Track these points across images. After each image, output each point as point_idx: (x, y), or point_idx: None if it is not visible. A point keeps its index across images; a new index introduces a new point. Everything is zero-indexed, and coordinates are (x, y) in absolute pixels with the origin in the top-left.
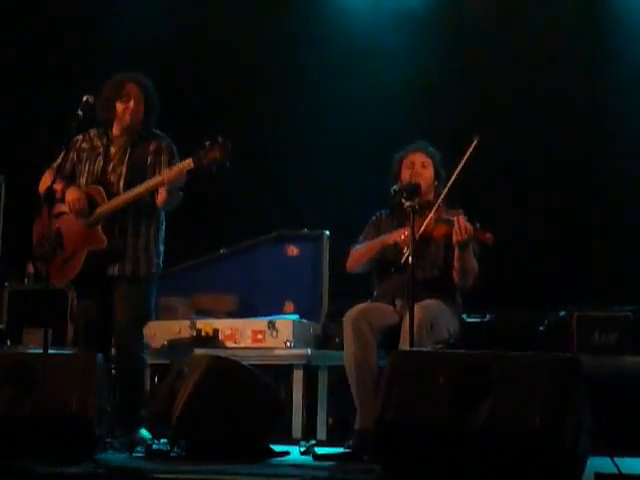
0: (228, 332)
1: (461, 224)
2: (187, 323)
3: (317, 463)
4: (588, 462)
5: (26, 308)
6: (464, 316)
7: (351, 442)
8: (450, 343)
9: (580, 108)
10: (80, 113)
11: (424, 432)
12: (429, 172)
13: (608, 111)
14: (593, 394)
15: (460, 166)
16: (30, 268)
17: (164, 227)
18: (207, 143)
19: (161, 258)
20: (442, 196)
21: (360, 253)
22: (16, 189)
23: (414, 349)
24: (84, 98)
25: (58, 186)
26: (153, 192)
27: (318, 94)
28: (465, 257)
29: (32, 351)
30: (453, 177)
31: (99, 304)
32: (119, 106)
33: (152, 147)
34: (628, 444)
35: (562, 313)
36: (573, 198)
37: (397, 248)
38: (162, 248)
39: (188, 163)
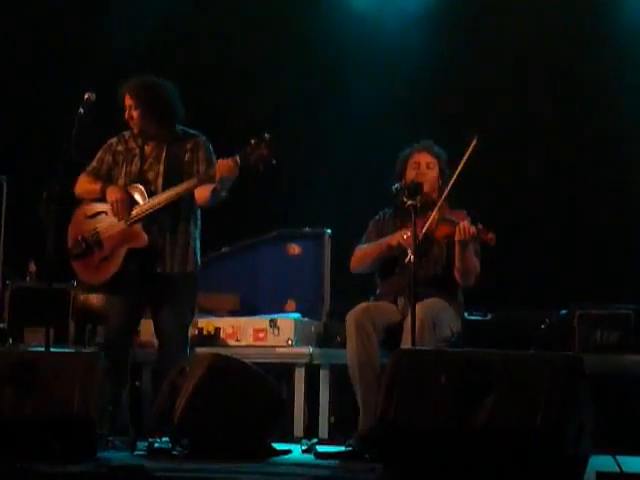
0: (230, 330)
1: (465, 226)
2: None
3: (319, 462)
4: (590, 461)
5: (28, 306)
6: (465, 314)
7: (352, 442)
8: (452, 342)
9: (584, 108)
10: (82, 111)
11: (425, 431)
12: (434, 173)
13: (612, 111)
14: (595, 393)
15: (460, 166)
16: (32, 267)
17: (200, 224)
18: (253, 141)
19: (199, 255)
20: (444, 195)
21: (364, 254)
22: (18, 189)
23: (416, 348)
24: (85, 96)
25: (97, 186)
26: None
27: (320, 93)
28: (466, 255)
29: (34, 350)
30: (454, 177)
31: (133, 302)
32: (127, 118)
33: (189, 145)
34: (630, 443)
35: (563, 312)
36: (574, 197)
37: (400, 250)
38: (199, 246)
39: (234, 160)
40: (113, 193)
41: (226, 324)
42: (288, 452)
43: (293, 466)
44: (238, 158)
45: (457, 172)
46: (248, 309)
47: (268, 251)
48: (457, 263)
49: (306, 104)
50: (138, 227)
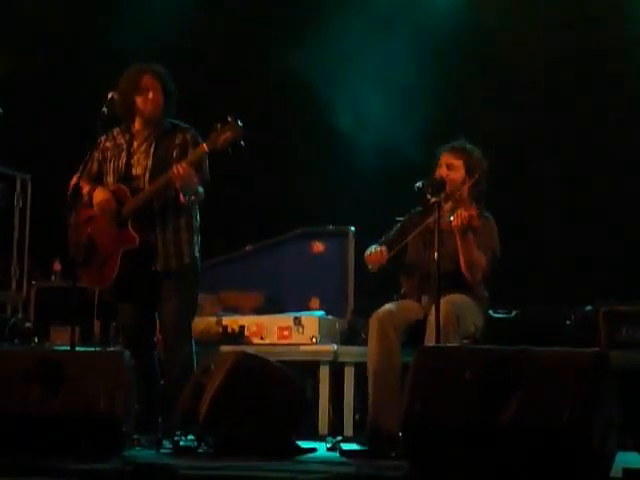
0: (254, 328)
1: (459, 212)
2: (213, 320)
3: (343, 459)
4: (616, 457)
5: (53, 306)
6: (490, 312)
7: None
8: (476, 338)
9: (600, 108)
10: (105, 110)
11: (450, 428)
12: (455, 174)
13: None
14: (621, 389)
15: (469, 185)
16: (57, 266)
17: (198, 217)
18: (218, 125)
19: (196, 248)
20: (451, 201)
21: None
22: (42, 188)
23: (440, 345)
24: (109, 95)
25: (85, 189)
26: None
27: (345, 91)
28: (467, 246)
29: (59, 349)
30: (465, 189)
31: (140, 304)
32: (139, 99)
33: (178, 140)
34: None
35: (588, 308)
36: (598, 193)
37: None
38: (197, 238)
39: (202, 148)
40: (98, 195)
41: (250, 322)
42: (313, 450)
43: (318, 464)
44: (205, 145)
45: (466, 189)
46: (272, 307)
47: (292, 249)
48: (460, 255)
49: (332, 101)
50: (128, 228)
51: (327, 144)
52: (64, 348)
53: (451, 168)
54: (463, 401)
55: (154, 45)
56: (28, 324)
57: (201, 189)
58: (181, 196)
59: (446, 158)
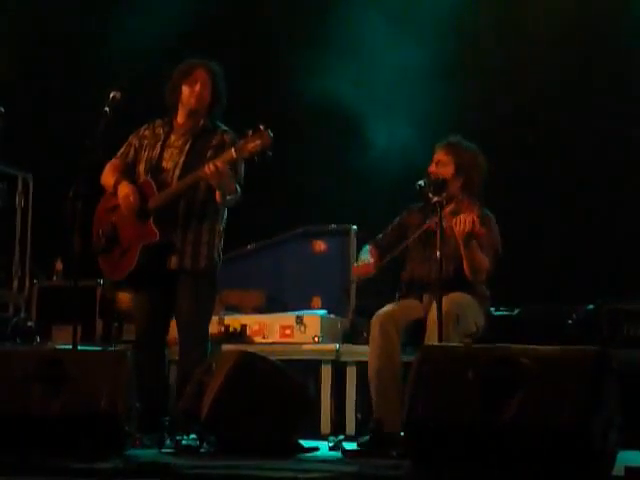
0: (256, 327)
1: (461, 219)
2: (215, 319)
3: (345, 458)
4: (619, 456)
5: (55, 305)
6: (492, 310)
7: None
8: (477, 337)
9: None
10: (107, 110)
11: (452, 427)
12: (444, 170)
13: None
14: (623, 388)
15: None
16: (58, 265)
17: (223, 221)
18: (249, 132)
19: (215, 252)
20: (452, 204)
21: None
22: (44, 187)
23: (442, 344)
24: (111, 94)
25: (112, 180)
26: (210, 187)
27: (346, 91)
28: (471, 251)
29: (61, 348)
30: (455, 188)
31: (154, 300)
32: (185, 89)
33: (214, 141)
34: None
35: (590, 306)
36: (600, 193)
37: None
38: (219, 241)
39: (230, 154)
40: (122, 190)
41: (252, 321)
42: (315, 449)
43: (320, 463)
44: (233, 151)
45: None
46: (274, 306)
47: (294, 248)
48: (464, 260)
49: (333, 101)
50: (150, 223)
51: (329, 143)
52: (66, 347)
53: (439, 164)
54: (464, 400)
55: (155, 45)
56: (30, 323)
57: (239, 189)
58: (218, 195)
59: (437, 154)
